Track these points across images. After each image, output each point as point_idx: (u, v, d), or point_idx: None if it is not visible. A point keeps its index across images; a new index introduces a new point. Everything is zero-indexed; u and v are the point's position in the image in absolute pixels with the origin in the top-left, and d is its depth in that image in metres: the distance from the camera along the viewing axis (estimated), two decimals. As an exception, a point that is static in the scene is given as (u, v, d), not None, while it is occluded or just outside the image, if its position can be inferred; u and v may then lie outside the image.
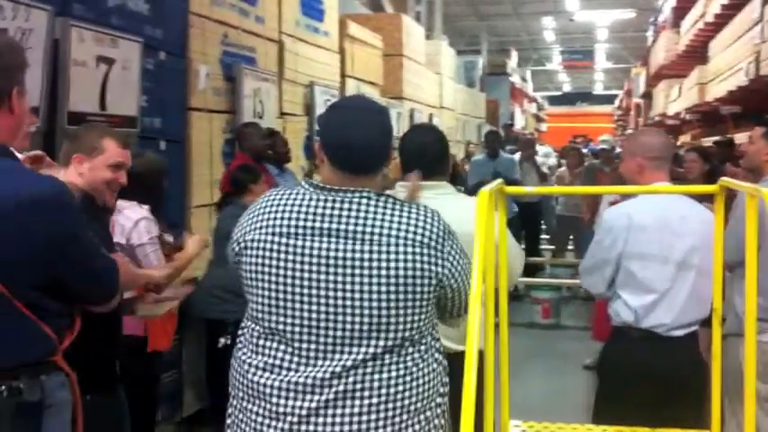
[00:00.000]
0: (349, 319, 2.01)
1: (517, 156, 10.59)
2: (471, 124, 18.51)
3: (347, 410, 2.00)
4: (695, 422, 2.88)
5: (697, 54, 12.76)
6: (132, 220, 3.60)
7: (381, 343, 2.02)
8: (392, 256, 2.01)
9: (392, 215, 2.06)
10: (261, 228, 2.09)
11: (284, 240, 2.05)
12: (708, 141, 10.96)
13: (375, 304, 2.01)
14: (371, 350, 2.02)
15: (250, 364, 2.10)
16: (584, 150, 14.17)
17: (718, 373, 2.61)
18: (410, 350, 2.07)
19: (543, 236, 11.31)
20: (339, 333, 2.02)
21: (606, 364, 3.15)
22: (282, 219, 2.07)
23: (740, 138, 8.41)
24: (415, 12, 15.79)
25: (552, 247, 11.14)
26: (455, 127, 15.75)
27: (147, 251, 3.59)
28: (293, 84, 7.58)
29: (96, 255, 2.18)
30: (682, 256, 2.97)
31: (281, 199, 2.12)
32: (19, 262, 1.94)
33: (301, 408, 2.02)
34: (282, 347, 2.06)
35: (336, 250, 2.02)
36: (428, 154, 2.92)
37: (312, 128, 7.92)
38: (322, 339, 2.03)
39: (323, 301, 2.02)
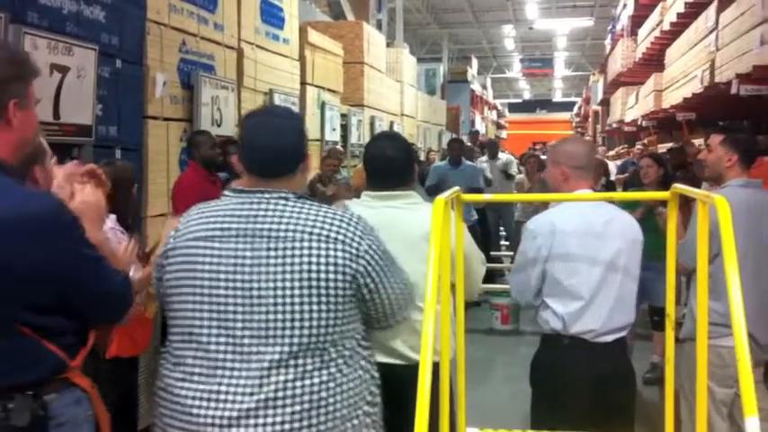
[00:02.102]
0: (263, 317, 2.01)
1: (484, 161, 10.73)
2: (432, 131, 18.60)
3: (269, 420, 1.98)
4: (627, 427, 2.93)
5: (654, 62, 12.97)
6: None
7: (296, 340, 2.01)
8: (305, 252, 2.03)
9: (307, 214, 2.09)
10: (183, 235, 2.12)
11: (201, 244, 2.08)
12: (664, 148, 11.14)
13: (288, 300, 2.01)
14: (287, 348, 2.00)
15: (169, 377, 2.09)
16: (543, 157, 14.27)
17: (671, 378, 2.64)
18: (333, 355, 2.06)
19: (503, 242, 11.38)
20: (255, 332, 2.01)
21: (538, 372, 3.12)
22: (201, 224, 2.11)
23: (695, 144, 8.56)
24: (377, 20, 15.80)
25: (512, 253, 11.20)
26: (416, 134, 15.81)
27: None
28: (253, 91, 7.55)
29: (103, 272, 2.07)
30: (609, 259, 2.96)
31: (205, 207, 2.17)
32: (19, 283, 1.87)
33: (222, 417, 1.99)
34: (200, 354, 2.05)
35: (252, 250, 2.03)
36: (394, 165, 2.90)
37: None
38: (238, 341, 2.02)
39: (239, 301, 2.02)
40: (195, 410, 2.02)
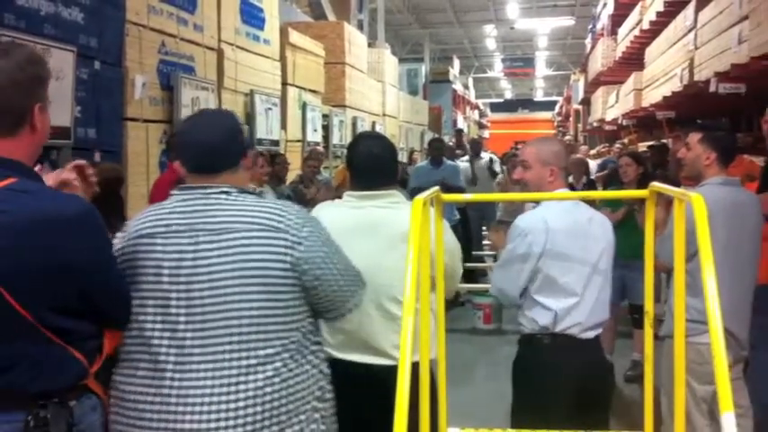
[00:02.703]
0: (206, 312, 2.00)
1: (466, 160, 10.74)
2: (414, 131, 18.63)
3: (213, 416, 1.97)
4: (605, 422, 2.96)
5: (633, 61, 13.04)
6: None
7: (238, 334, 2.00)
8: (244, 243, 2.04)
9: (247, 207, 2.10)
10: (127, 235, 2.13)
11: (146, 241, 2.08)
12: (644, 146, 11.21)
13: (230, 290, 2.01)
14: (227, 344, 2.00)
15: (117, 373, 2.08)
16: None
17: (650, 375, 2.65)
18: (278, 349, 2.05)
19: (486, 241, 11.39)
20: (197, 327, 2.01)
21: (520, 372, 3.12)
22: (146, 222, 2.12)
23: (673, 142, 8.61)
24: (358, 20, 15.80)
25: (494, 252, 11.21)
26: (398, 134, 15.82)
27: None
28: (233, 92, 7.53)
29: (118, 272, 2.09)
30: (596, 259, 3.01)
31: (154, 206, 2.20)
32: (46, 287, 1.85)
33: (168, 412, 1.98)
34: (144, 349, 2.04)
35: (194, 245, 2.04)
36: (380, 164, 2.90)
37: (253, 136, 7.87)
38: (180, 335, 2.01)
39: (182, 296, 2.02)
40: (140, 406, 2.01)
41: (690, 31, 8.02)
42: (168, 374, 2.01)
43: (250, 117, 7.87)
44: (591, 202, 3.68)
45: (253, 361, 2.01)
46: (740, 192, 3.63)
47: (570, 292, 2.98)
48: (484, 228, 11.09)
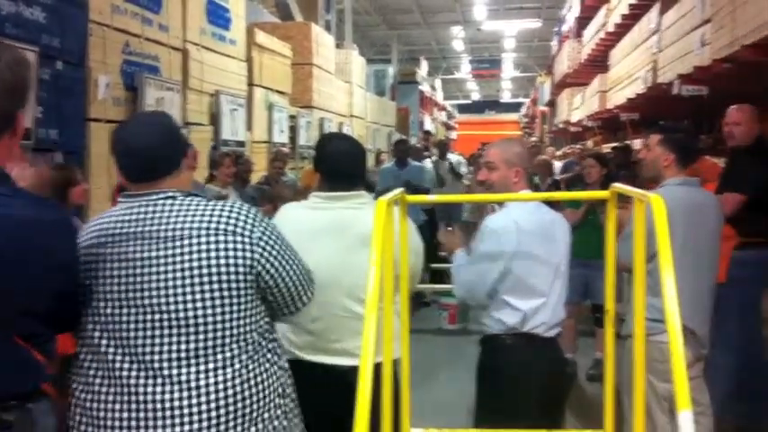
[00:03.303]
0: (158, 320, 1.98)
1: (433, 161, 10.77)
2: (382, 132, 18.62)
3: (177, 420, 1.96)
4: (561, 420, 3.01)
5: (598, 63, 13.16)
6: None
7: (194, 341, 1.98)
8: (197, 248, 2.01)
9: (195, 211, 2.06)
10: (78, 245, 2.08)
11: (94, 251, 2.05)
12: (608, 148, 11.32)
13: (187, 297, 1.98)
14: (183, 351, 1.98)
15: (82, 390, 2.05)
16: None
17: (611, 374, 2.68)
18: (236, 352, 2.04)
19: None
20: (148, 334, 1.98)
21: (485, 373, 3.14)
22: (93, 232, 2.09)
23: (639, 144, 8.71)
24: (325, 20, 15.76)
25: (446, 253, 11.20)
26: (365, 135, 15.81)
27: None
28: (198, 93, 7.47)
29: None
30: (558, 260, 3.07)
31: (100, 216, 2.15)
32: (17, 290, 1.81)
33: (129, 419, 1.97)
34: (99, 358, 2.02)
35: (143, 251, 2.01)
36: (350, 165, 2.91)
37: (218, 137, 7.82)
38: (132, 342, 1.99)
39: (132, 303, 1.99)
40: (102, 413, 1.99)
41: (653, 33, 8.12)
42: (125, 382, 1.98)
43: (215, 118, 7.82)
44: (556, 203, 3.71)
45: (211, 365, 2.00)
46: (699, 192, 3.68)
47: (538, 293, 3.02)
48: (450, 229, 11.12)
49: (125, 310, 2.00)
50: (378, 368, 2.12)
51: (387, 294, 2.29)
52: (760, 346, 4.50)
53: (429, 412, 3.66)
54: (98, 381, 2.02)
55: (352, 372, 2.57)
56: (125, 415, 1.98)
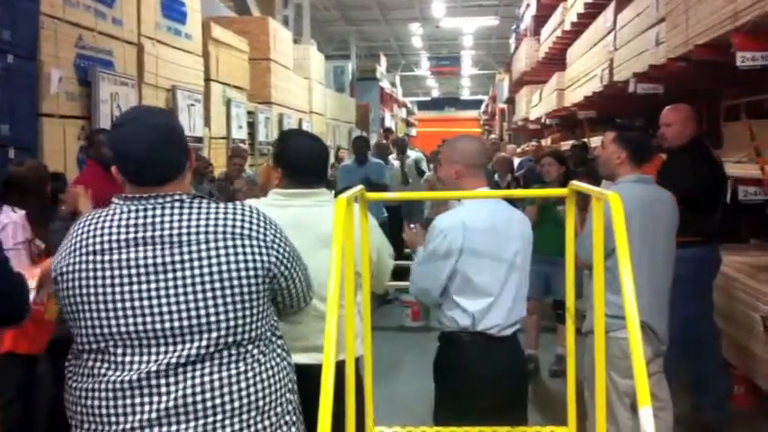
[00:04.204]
0: (173, 324, 1.95)
1: (394, 158, 10.76)
2: (342, 129, 18.59)
3: (191, 416, 1.94)
4: (524, 417, 3.02)
5: (556, 61, 13.26)
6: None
7: (207, 342, 1.96)
8: (212, 253, 1.98)
9: (207, 214, 2.03)
10: (75, 251, 2.01)
11: (99, 258, 1.98)
12: (567, 145, 11.42)
13: (203, 303, 1.96)
14: (194, 349, 1.95)
15: (83, 389, 2.00)
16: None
17: (572, 370, 2.69)
18: (249, 347, 2.03)
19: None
20: (163, 338, 1.95)
21: (441, 370, 3.14)
22: (95, 237, 2.00)
23: (596, 141, 8.80)
24: (283, 15, 15.67)
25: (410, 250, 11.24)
26: (325, 132, 15.76)
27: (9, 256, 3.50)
28: (154, 88, 7.36)
29: (3, 274, 2.01)
30: (511, 258, 3.04)
31: (94, 219, 2.06)
32: None
33: (141, 420, 1.93)
34: (113, 367, 1.97)
35: (154, 257, 1.96)
36: (313, 161, 2.88)
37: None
38: (146, 347, 1.95)
39: (147, 311, 1.95)
40: (113, 418, 1.95)
41: (609, 32, 8.19)
42: (143, 383, 1.94)
43: (172, 113, 7.72)
44: (516, 200, 3.72)
45: (225, 360, 1.99)
46: (654, 189, 3.72)
47: (486, 292, 3.00)
48: (412, 226, 11.13)
49: (138, 319, 1.94)
50: (341, 366, 2.11)
51: (348, 292, 2.27)
52: (698, 338, 4.59)
53: (393, 409, 3.65)
54: (104, 386, 1.97)
55: (317, 369, 2.56)
56: (144, 409, 1.93)
